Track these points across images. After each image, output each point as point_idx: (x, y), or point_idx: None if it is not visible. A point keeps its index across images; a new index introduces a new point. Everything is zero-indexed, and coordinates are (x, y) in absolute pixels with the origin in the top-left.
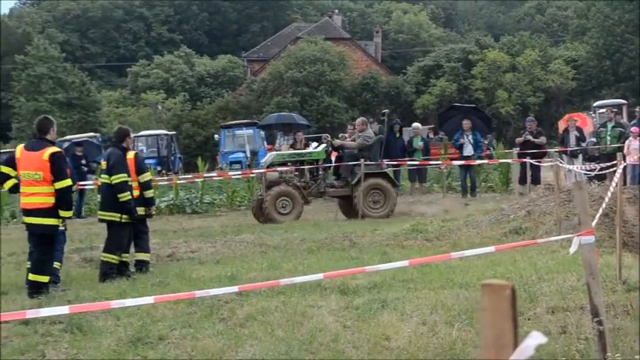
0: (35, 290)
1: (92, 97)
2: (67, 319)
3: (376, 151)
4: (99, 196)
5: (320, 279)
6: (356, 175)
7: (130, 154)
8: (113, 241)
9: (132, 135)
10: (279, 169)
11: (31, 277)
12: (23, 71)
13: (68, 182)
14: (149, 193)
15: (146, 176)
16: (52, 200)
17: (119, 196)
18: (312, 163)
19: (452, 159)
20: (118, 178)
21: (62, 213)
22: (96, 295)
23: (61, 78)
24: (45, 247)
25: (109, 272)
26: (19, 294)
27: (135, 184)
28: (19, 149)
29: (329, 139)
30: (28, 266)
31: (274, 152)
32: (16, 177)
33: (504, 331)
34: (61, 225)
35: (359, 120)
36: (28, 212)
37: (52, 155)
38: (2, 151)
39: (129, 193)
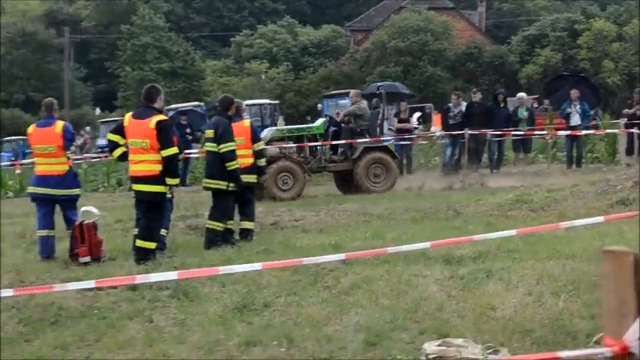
0: (142, 257)
1: (196, 67)
2: (173, 285)
3: (375, 125)
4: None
5: (425, 248)
6: (356, 149)
7: (246, 122)
8: (219, 209)
9: (244, 105)
10: (277, 144)
11: (138, 243)
12: (129, 41)
13: (175, 150)
14: (262, 162)
15: (260, 144)
16: (158, 168)
17: (227, 164)
18: (311, 138)
19: (557, 129)
20: (226, 147)
21: (169, 180)
22: (201, 262)
23: (166, 47)
24: (152, 214)
25: (214, 240)
26: (126, 260)
27: (245, 152)
28: (127, 117)
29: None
30: (136, 233)
31: (273, 128)
32: (125, 145)
33: (627, 299)
34: (168, 192)
35: (353, 92)
36: (136, 180)
37: (159, 123)
38: (108, 119)
39: (237, 161)
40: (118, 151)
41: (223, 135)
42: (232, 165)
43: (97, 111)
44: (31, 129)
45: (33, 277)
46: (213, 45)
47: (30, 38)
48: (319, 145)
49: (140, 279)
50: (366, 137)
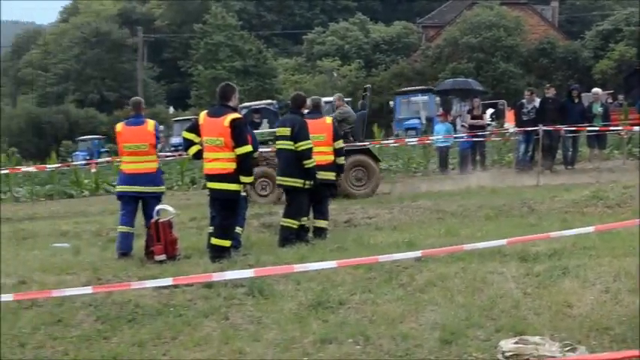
0: (217, 254)
1: (268, 65)
2: (248, 282)
3: (358, 127)
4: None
5: (501, 245)
6: None
7: (328, 120)
8: (294, 206)
9: (322, 101)
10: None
11: (214, 241)
12: (201, 39)
13: (249, 148)
14: (341, 160)
15: (340, 143)
16: (233, 166)
17: (305, 162)
18: None
19: (633, 124)
20: (303, 145)
21: (243, 178)
22: (276, 260)
23: (238, 46)
24: (227, 212)
25: (289, 237)
26: (201, 258)
27: (326, 149)
28: (203, 116)
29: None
30: (210, 231)
31: (255, 131)
32: (200, 143)
33: None
34: (242, 190)
35: (336, 96)
36: (211, 177)
37: (233, 121)
38: (182, 118)
39: (314, 159)
40: (193, 149)
41: (300, 133)
42: (310, 163)
43: (171, 110)
44: (120, 127)
45: (110, 275)
46: (285, 43)
47: (104, 38)
48: None
49: (216, 277)
50: (349, 140)
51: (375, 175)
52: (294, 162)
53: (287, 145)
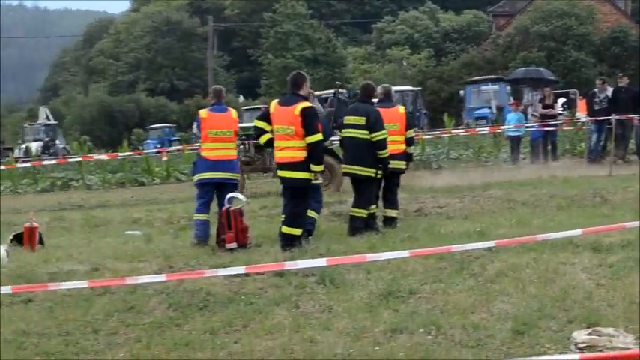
0: (288, 243)
1: (338, 54)
2: (319, 271)
3: (326, 126)
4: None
5: (574, 235)
6: None
7: (401, 109)
8: (365, 196)
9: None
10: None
11: (284, 229)
12: (271, 28)
13: (319, 137)
14: (412, 149)
15: (411, 132)
16: (303, 154)
17: (380, 152)
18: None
19: None
20: (380, 135)
21: (313, 167)
22: (346, 249)
23: (308, 35)
24: (297, 200)
25: (359, 227)
26: (271, 246)
27: (399, 138)
28: (274, 104)
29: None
30: (283, 219)
31: None
32: (271, 131)
33: None
34: (313, 179)
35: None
36: (281, 166)
37: (304, 110)
38: (251, 107)
39: (388, 149)
40: (264, 138)
41: (377, 123)
42: (385, 153)
43: (241, 98)
44: (204, 114)
45: (181, 263)
46: (354, 32)
47: (175, 27)
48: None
49: (289, 265)
50: None
51: (337, 175)
52: (366, 151)
53: (360, 133)
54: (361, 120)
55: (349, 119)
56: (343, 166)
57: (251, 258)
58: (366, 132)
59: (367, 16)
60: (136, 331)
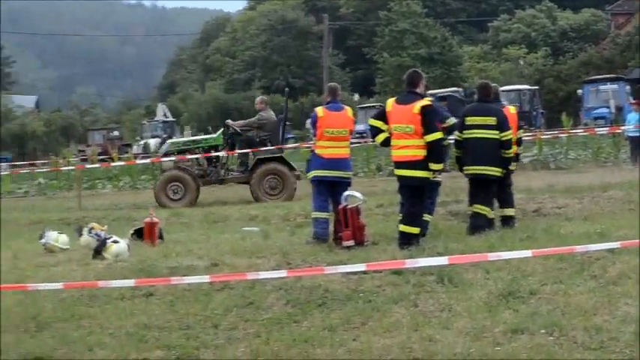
0: (405, 241)
1: (454, 53)
2: (437, 270)
3: (277, 133)
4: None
5: None
6: (251, 160)
7: (512, 109)
8: (489, 195)
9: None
10: (173, 158)
11: (402, 228)
12: (386, 27)
13: (439, 135)
14: (520, 149)
15: (520, 132)
16: (422, 153)
17: (506, 152)
18: (211, 149)
19: None
20: (507, 135)
21: (432, 165)
22: (464, 248)
23: (423, 33)
24: (415, 199)
25: (482, 225)
26: (388, 244)
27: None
28: (390, 103)
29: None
30: (400, 218)
31: (170, 140)
32: (387, 130)
33: None
34: (431, 177)
35: (258, 99)
36: (400, 165)
37: (423, 108)
38: (366, 105)
39: (512, 149)
40: (381, 137)
41: (504, 123)
42: (510, 153)
43: (356, 97)
44: (321, 112)
45: (299, 260)
46: (470, 30)
47: (290, 25)
48: (222, 157)
49: (409, 263)
50: (267, 147)
51: (290, 182)
52: (497, 151)
53: (491, 134)
54: (490, 120)
55: (475, 120)
56: (469, 167)
57: (368, 256)
58: (497, 132)
59: (483, 15)
60: (254, 326)
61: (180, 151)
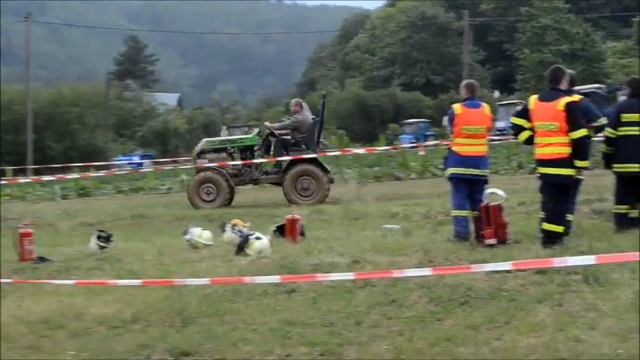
0: (549, 240)
1: (596, 48)
2: (582, 269)
3: (311, 135)
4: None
5: None
6: (285, 161)
7: None
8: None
9: None
10: (208, 156)
11: (545, 226)
12: (528, 23)
13: (584, 132)
14: None
15: None
16: (567, 150)
17: None
18: (246, 149)
19: None
20: None
21: (577, 163)
22: (609, 247)
23: (565, 29)
24: (560, 197)
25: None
26: (532, 243)
27: None
28: (533, 100)
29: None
30: (542, 216)
31: (206, 139)
32: (530, 128)
33: None
34: (575, 175)
35: (293, 101)
36: (543, 162)
37: (569, 104)
38: (507, 102)
39: None
40: (523, 135)
41: None
42: None
43: (496, 94)
44: (459, 109)
45: (441, 258)
46: (613, 26)
47: (430, 22)
48: (256, 157)
49: (557, 262)
50: (302, 149)
51: (322, 184)
52: None
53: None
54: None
55: (632, 117)
56: (620, 165)
57: (511, 254)
58: None
59: (627, 10)
60: (397, 324)
61: (215, 149)
